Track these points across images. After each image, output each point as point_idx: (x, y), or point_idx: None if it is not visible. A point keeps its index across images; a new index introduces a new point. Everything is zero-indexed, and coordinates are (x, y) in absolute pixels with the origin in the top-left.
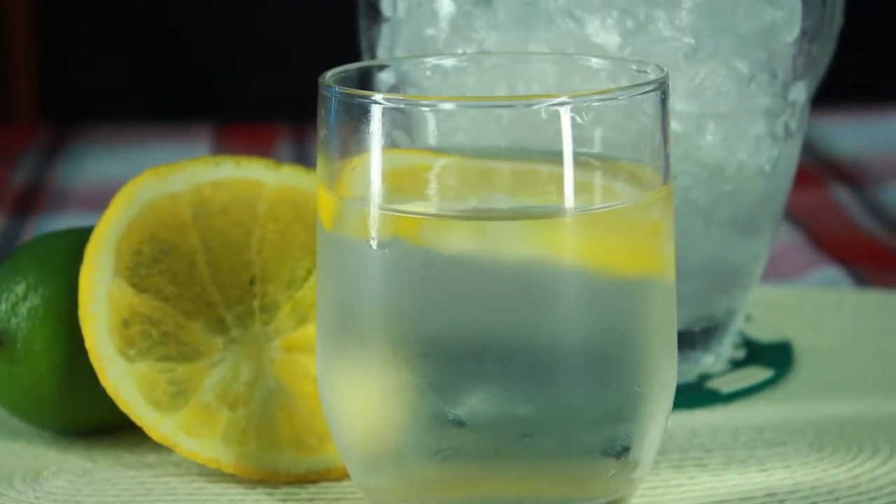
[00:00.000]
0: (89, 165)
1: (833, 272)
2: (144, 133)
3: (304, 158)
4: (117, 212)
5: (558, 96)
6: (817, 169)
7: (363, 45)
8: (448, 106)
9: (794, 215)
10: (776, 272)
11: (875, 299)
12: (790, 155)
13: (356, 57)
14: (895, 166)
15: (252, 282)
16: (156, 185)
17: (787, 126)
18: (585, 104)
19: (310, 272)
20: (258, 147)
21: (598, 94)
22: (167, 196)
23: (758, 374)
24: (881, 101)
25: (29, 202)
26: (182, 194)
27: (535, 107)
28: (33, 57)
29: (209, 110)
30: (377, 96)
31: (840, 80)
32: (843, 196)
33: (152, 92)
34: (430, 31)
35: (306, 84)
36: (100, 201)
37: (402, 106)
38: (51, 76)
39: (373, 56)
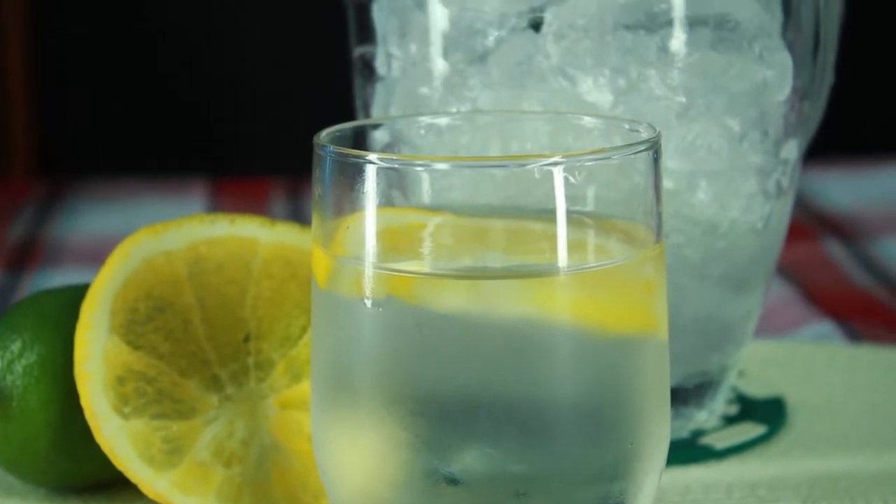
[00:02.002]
0: (85, 220)
1: (826, 327)
2: (139, 188)
3: (299, 213)
4: (113, 269)
5: (551, 156)
6: (810, 223)
7: (358, 103)
8: (442, 166)
9: (787, 270)
10: (769, 327)
11: (868, 354)
12: (782, 212)
13: (351, 112)
14: (887, 220)
15: (247, 339)
16: (151, 243)
17: (778, 183)
18: (578, 164)
19: (304, 329)
20: (253, 201)
21: (590, 153)
22: (163, 253)
23: (751, 430)
24: (873, 155)
25: (25, 257)
26: (177, 252)
27: (528, 166)
28: (30, 112)
29: (204, 165)
30: (371, 156)
31: (832, 135)
32: (835, 250)
33: (148, 147)
34: (424, 90)
35: (301, 140)
36: (95, 256)
37: (396, 166)
38: (48, 131)
39: (367, 114)
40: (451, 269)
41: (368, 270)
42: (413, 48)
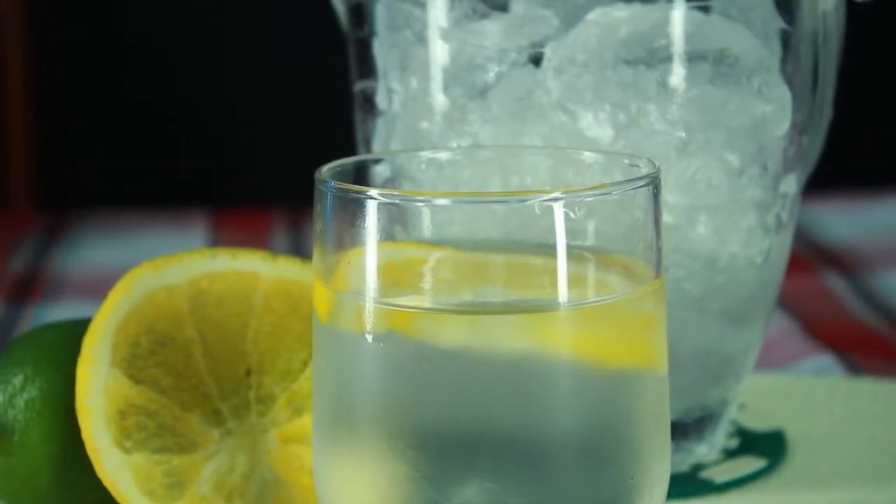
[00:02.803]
0: (86, 253)
1: (826, 360)
2: (140, 220)
3: (300, 245)
4: (115, 304)
5: (552, 192)
6: (809, 256)
7: (359, 137)
8: (443, 201)
9: (787, 303)
10: (769, 360)
11: (867, 387)
12: (782, 246)
13: (351, 143)
14: (887, 253)
15: (248, 373)
16: (153, 277)
17: (778, 218)
18: (578, 199)
19: (305, 364)
20: (254, 233)
21: (590, 189)
22: (164, 288)
23: (751, 463)
24: (872, 188)
25: (26, 290)
26: (179, 286)
27: (528, 202)
28: (31, 145)
29: (206, 197)
30: (372, 191)
31: (831, 168)
32: (835, 283)
33: (150, 179)
34: (424, 125)
35: (302, 171)
36: (97, 289)
37: (397, 201)
38: (48, 164)
39: (368, 148)
40: (452, 304)
41: (369, 305)
42: (414, 83)
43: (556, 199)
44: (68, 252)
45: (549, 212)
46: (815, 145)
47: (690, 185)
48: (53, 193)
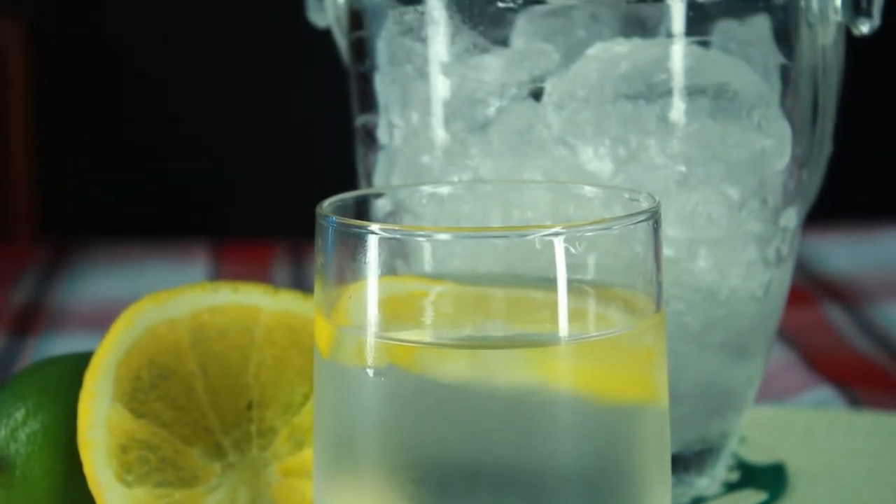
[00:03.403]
0: (88, 284)
1: (826, 393)
2: (142, 251)
3: (302, 277)
4: (116, 337)
5: (552, 227)
6: (810, 288)
7: (360, 171)
8: (444, 236)
9: (787, 335)
10: (769, 392)
11: (868, 420)
12: (782, 279)
13: (352, 177)
14: (887, 285)
15: (249, 406)
16: (155, 311)
17: (778, 251)
18: (579, 234)
19: (307, 397)
20: (255, 265)
21: (591, 224)
22: (166, 321)
23: (752, 496)
24: (873, 220)
25: (28, 322)
26: (180, 320)
27: (529, 237)
28: (32, 177)
29: (207, 230)
30: (373, 226)
31: (831, 200)
32: (835, 315)
33: (152, 211)
34: (425, 159)
35: (303, 204)
36: (99, 320)
37: (398, 236)
38: (50, 196)
39: (369, 182)
40: (453, 338)
41: (370, 340)
42: (415, 117)
43: (556, 234)
44: (70, 284)
45: (550, 246)
46: (814, 179)
47: (691, 218)
48: (55, 225)
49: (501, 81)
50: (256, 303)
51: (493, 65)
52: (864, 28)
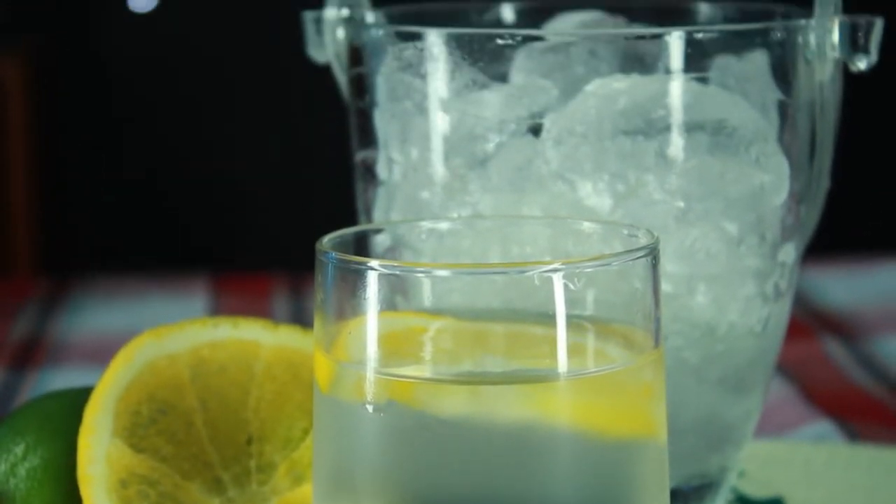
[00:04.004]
0: (88, 318)
1: (825, 426)
2: (142, 285)
3: (301, 310)
4: (116, 373)
5: (551, 263)
6: (808, 321)
7: (360, 206)
8: (443, 272)
9: (786, 369)
10: (768, 426)
11: (867, 454)
12: (780, 314)
13: (351, 211)
14: (886, 318)
15: (249, 441)
16: (155, 346)
17: (776, 287)
18: (578, 270)
19: (306, 432)
20: (255, 298)
21: (590, 260)
22: (166, 357)
23: None
24: (871, 253)
25: (28, 356)
26: (180, 355)
27: (528, 273)
28: (32, 211)
29: (207, 263)
30: (373, 262)
31: (830, 234)
32: (834, 349)
33: (151, 245)
34: (425, 195)
35: (303, 237)
36: (99, 354)
37: (397, 272)
38: (50, 230)
39: (369, 217)
40: (452, 374)
41: (370, 375)
42: (414, 153)
43: (555, 271)
44: (70, 318)
45: (549, 282)
46: (812, 214)
47: (689, 254)
48: (56, 259)
49: (500, 117)
50: (256, 338)
51: (492, 101)
52: (862, 64)
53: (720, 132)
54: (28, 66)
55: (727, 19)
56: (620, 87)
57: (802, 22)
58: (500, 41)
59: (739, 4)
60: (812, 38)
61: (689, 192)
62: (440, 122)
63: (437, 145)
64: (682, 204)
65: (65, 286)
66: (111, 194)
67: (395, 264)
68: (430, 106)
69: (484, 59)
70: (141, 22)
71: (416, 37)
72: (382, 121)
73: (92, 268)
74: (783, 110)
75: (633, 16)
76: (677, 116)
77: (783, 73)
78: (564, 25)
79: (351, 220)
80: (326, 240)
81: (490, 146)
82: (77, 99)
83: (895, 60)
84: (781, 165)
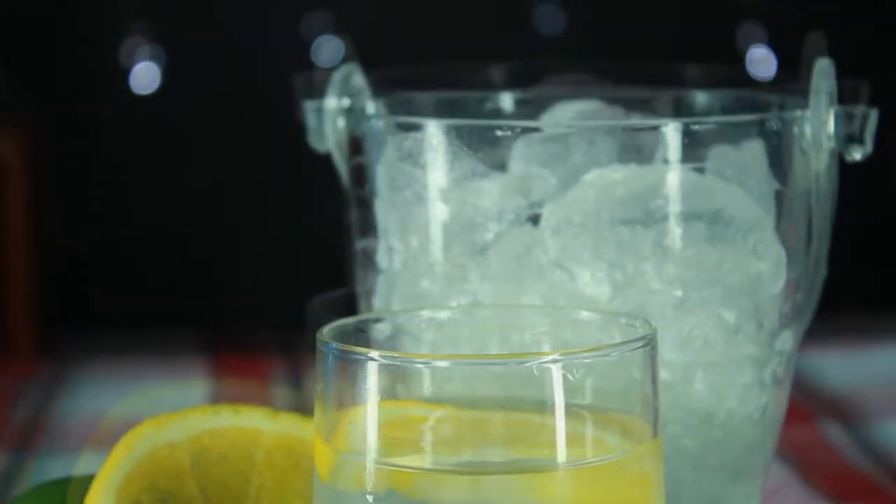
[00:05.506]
0: (87, 401)
1: None
2: (141, 367)
3: (297, 377)
4: (117, 461)
5: (550, 354)
6: (807, 404)
7: (360, 289)
8: (442, 363)
9: (785, 452)
10: None
11: None
12: (779, 400)
13: (342, 272)
14: (886, 401)
15: None
16: (155, 435)
17: (774, 374)
18: (576, 361)
19: None
20: (253, 375)
21: (588, 351)
22: (166, 445)
23: None
24: (870, 335)
25: (28, 439)
26: (181, 443)
27: (527, 364)
28: (31, 292)
29: (203, 321)
30: (373, 353)
31: (829, 318)
32: (833, 432)
33: (147, 313)
34: (425, 283)
35: (297, 298)
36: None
37: (397, 362)
38: (48, 309)
39: (369, 303)
40: (452, 463)
41: (370, 465)
42: (414, 242)
43: (554, 361)
44: (70, 400)
45: (548, 373)
46: (810, 302)
47: (687, 342)
48: (54, 331)
49: (499, 206)
50: (257, 426)
51: (491, 190)
52: (857, 155)
53: (717, 221)
54: (28, 142)
55: (724, 109)
56: (618, 177)
57: (798, 113)
58: (499, 132)
59: (736, 93)
60: (808, 129)
61: (686, 280)
62: (440, 212)
63: (436, 234)
64: (679, 293)
65: (64, 369)
66: (109, 261)
67: (395, 355)
68: (430, 195)
69: (483, 148)
70: (140, 100)
71: (417, 127)
72: (383, 210)
73: (88, 329)
74: (780, 199)
75: (631, 105)
76: (675, 206)
77: (779, 162)
78: (562, 116)
79: (341, 280)
80: (327, 330)
81: (489, 235)
82: (77, 175)
83: (889, 148)
84: (778, 254)
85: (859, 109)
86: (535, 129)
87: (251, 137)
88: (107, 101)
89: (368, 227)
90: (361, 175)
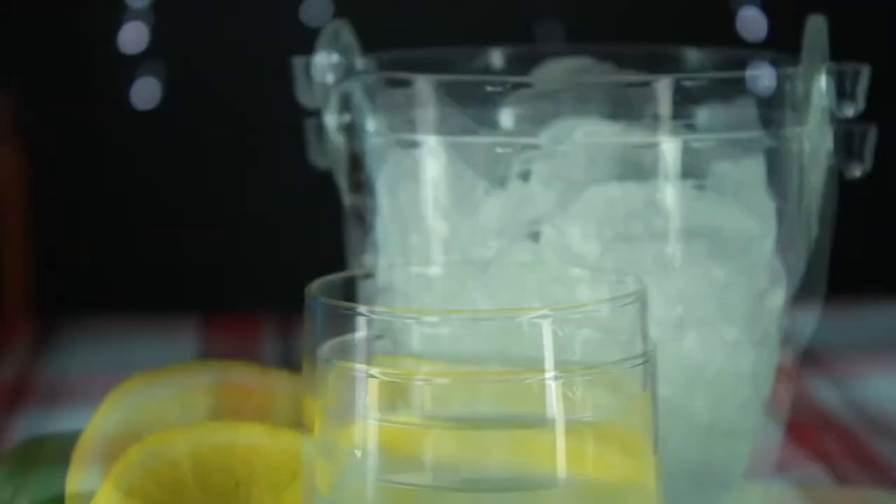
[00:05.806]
0: (77, 358)
1: (813, 470)
2: (131, 326)
3: (290, 352)
4: (104, 416)
5: (540, 309)
6: (796, 364)
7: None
8: (432, 318)
9: (773, 412)
10: (756, 470)
11: (855, 497)
12: (769, 359)
13: (340, 258)
14: (874, 358)
15: (237, 485)
16: (143, 390)
17: (765, 332)
18: (566, 316)
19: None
20: (244, 340)
21: (578, 306)
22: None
23: None
24: (860, 294)
25: (17, 397)
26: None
27: (517, 319)
28: (24, 252)
29: (196, 300)
30: (362, 308)
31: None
32: (823, 390)
33: (141, 286)
34: (424, 300)
35: (293, 277)
36: (87, 395)
37: (385, 318)
38: (40, 270)
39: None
40: (453, 480)
41: (370, 480)
42: (413, 258)
43: (544, 317)
44: (59, 358)
45: (538, 328)
46: (809, 319)
47: (687, 357)
48: (47, 298)
49: (500, 223)
50: (258, 442)
51: (491, 207)
52: (856, 172)
53: (717, 239)
54: (27, 156)
55: (715, 67)
56: (617, 194)
57: (790, 70)
58: (499, 150)
59: (726, 52)
60: (807, 145)
61: (687, 297)
62: (440, 228)
63: (437, 250)
64: (680, 309)
65: (53, 327)
66: (101, 234)
67: (384, 310)
68: (430, 211)
69: (486, 164)
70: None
71: (417, 144)
72: (382, 226)
73: (81, 304)
74: (779, 216)
75: (622, 61)
76: (674, 223)
77: (779, 179)
78: (552, 71)
79: (339, 265)
80: (315, 285)
81: (490, 251)
82: (72, 152)
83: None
84: (778, 270)
85: (851, 66)
86: (527, 85)
87: (251, 129)
88: (105, 84)
89: (368, 243)
90: (361, 192)
